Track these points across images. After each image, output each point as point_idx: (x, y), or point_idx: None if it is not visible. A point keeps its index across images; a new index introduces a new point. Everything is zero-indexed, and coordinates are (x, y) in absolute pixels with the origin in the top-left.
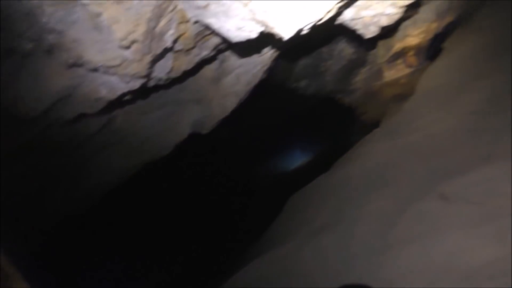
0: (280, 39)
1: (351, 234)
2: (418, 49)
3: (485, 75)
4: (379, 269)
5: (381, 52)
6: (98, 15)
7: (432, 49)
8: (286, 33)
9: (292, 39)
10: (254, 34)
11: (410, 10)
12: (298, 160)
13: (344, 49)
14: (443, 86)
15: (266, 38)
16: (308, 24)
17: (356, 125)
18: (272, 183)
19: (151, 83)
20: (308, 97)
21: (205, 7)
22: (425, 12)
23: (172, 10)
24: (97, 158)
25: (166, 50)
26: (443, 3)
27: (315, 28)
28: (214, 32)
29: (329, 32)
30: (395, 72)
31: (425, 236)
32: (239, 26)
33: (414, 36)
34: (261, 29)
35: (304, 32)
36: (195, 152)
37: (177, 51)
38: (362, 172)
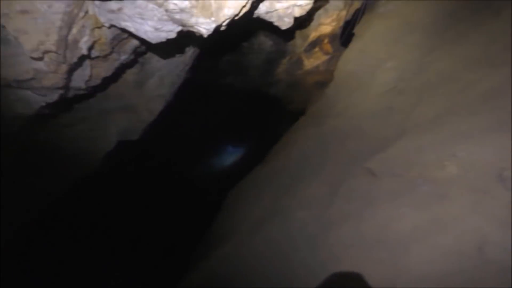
0: (200, 37)
1: (290, 222)
2: (332, 36)
3: (394, 56)
4: (320, 250)
5: (299, 42)
6: (2, 28)
7: (345, 36)
8: (205, 30)
9: (212, 35)
10: (173, 34)
11: (321, 0)
12: (232, 155)
13: (264, 42)
14: (358, 70)
15: (186, 37)
16: (225, 20)
17: (284, 115)
18: (209, 181)
19: (71, 94)
20: (235, 92)
21: (119, 10)
22: (335, 1)
23: (84, 16)
24: (19, 185)
25: (83, 58)
26: None
27: (233, 24)
28: (132, 35)
29: (247, 26)
30: (313, 60)
31: (358, 212)
32: (157, 27)
33: (326, 24)
34: (180, 28)
35: (223, 28)
36: (128, 157)
37: (94, 58)
38: (293, 160)
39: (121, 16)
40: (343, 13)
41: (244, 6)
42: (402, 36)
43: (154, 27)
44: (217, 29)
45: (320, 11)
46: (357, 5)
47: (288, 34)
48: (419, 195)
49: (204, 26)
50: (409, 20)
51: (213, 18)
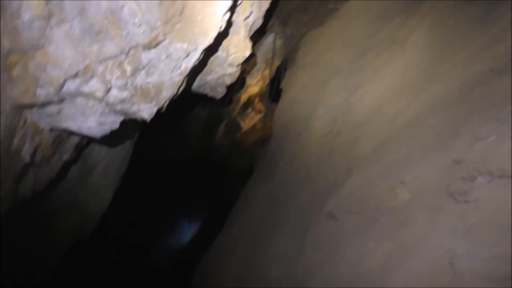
0: (144, 121)
1: (265, 283)
2: (261, 95)
3: (324, 101)
4: None
5: (232, 106)
6: None
7: (273, 92)
8: (147, 115)
9: (153, 118)
10: (116, 125)
11: (246, 65)
12: (190, 230)
13: (200, 112)
14: (294, 120)
15: (129, 124)
16: (166, 102)
17: (232, 179)
18: (174, 261)
19: (17, 204)
20: (179, 166)
21: (59, 112)
22: (257, 62)
23: (24, 125)
24: None
25: (27, 166)
26: (268, 51)
27: (172, 102)
28: (72, 133)
29: (183, 100)
30: (249, 121)
31: (329, 258)
32: (100, 121)
33: (254, 85)
34: (123, 117)
35: (163, 109)
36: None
37: (37, 163)
38: (253, 221)
39: (61, 118)
40: (266, 72)
41: (180, 85)
42: (326, 82)
43: (97, 122)
44: (158, 111)
45: (246, 74)
46: (277, 63)
47: (221, 101)
48: (381, 226)
49: (146, 111)
50: (328, 67)
51: (154, 102)
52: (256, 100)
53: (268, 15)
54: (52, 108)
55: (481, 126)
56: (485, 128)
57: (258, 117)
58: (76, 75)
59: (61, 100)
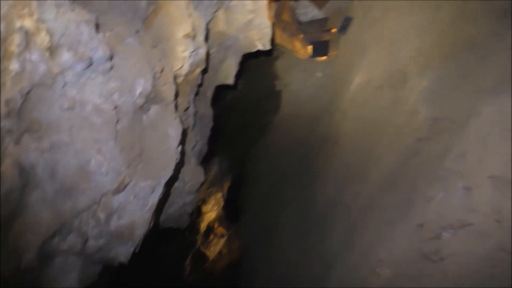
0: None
1: None
2: (219, 219)
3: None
4: None
5: (192, 237)
6: None
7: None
8: (124, 257)
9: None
10: (96, 276)
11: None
12: None
13: (165, 248)
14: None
15: (105, 272)
16: (140, 239)
17: None
18: None
19: None
20: None
21: (37, 278)
22: (209, 187)
23: None
24: None
25: None
26: (216, 175)
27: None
28: None
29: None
30: (214, 248)
31: None
32: (81, 277)
33: (210, 211)
34: (101, 267)
35: (138, 248)
36: None
37: None
38: None
39: (41, 282)
40: (219, 195)
41: (151, 221)
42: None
43: (78, 278)
44: (134, 251)
45: (200, 202)
46: (227, 184)
47: (183, 233)
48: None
49: (123, 254)
50: (280, 176)
51: (129, 244)
52: (216, 225)
53: (212, 142)
54: (30, 275)
55: (427, 188)
56: (432, 189)
57: (222, 241)
58: (53, 235)
59: (41, 264)
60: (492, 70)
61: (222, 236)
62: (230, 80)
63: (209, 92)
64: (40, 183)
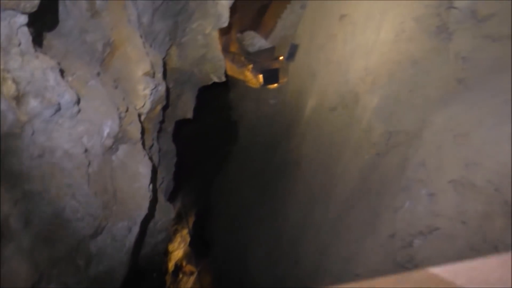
0: None
1: None
2: (187, 256)
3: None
4: None
5: (162, 278)
6: None
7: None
8: None
9: None
10: None
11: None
12: None
13: None
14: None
15: None
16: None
17: None
18: None
19: None
20: None
21: None
22: (174, 225)
23: None
24: None
25: None
26: (179, 212)
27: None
28: None
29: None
30: (184, 287)
31: None
32: None
33: (177, 249)
34: None
35: None
36: None
37: None
38: None
39: None
40: (185, 231)
41: (128, 264)
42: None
43: None
44: None
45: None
46: (192, 219)
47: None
48: None
49: None
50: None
51: None
52: (184, 263)
53: (176, 177)
54: None
55: (392, 199)
56: (397, 200)
57: (192, 279)
58: None
59: None
60: (436, 82)
61: (192, 273)
62: (189, 114)
63: (169, 128)
64: (15, 235)
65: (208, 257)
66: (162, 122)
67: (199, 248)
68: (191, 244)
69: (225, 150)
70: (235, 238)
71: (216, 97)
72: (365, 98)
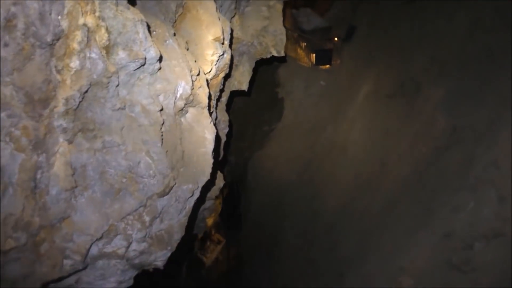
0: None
1: None
2: (216, 225)
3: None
4: None
5: (190, 243)
6: None
7: (230, 220)
8: (161, 262)
9: None
10: (131, 281)
11: None
12: None
13: None
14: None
15: None
16: (176, 245)
17: None
18: None
19: None
20: None
21: (77, 282)
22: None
23: None
24: None
25: None
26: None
27: None
28: None
29: None
30: (211, 255)
31: None
32: (120, 280)
33: (208, 217)
34: (136, 272)
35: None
36: None
37: None
38: None
39: (79, 286)
40: (218, 201)
41: (186, 226)
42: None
43: (117, 282)
44: (170, 256)
45: None
46: (226, 190)
47: None
48: None
49: (161, 259)
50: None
51: (169, 248)
52: (213, 232)
53: (225, 147)
54: (72, 279)
55: (452, 197)
56: (458, 199)
57: (219, 247)
58: (101, 238)
59: (85, 267)
60: None
61: (219, 242)
62: (245, 86)
63: (224, 98)
64: (90, 185)
65: (238, 229)
66: (222, 90)
67: (229, 220)
68: (221, 214)
69: (268, 127)
70: (267, 216)
71: (265, 71)
72: (428, 88)
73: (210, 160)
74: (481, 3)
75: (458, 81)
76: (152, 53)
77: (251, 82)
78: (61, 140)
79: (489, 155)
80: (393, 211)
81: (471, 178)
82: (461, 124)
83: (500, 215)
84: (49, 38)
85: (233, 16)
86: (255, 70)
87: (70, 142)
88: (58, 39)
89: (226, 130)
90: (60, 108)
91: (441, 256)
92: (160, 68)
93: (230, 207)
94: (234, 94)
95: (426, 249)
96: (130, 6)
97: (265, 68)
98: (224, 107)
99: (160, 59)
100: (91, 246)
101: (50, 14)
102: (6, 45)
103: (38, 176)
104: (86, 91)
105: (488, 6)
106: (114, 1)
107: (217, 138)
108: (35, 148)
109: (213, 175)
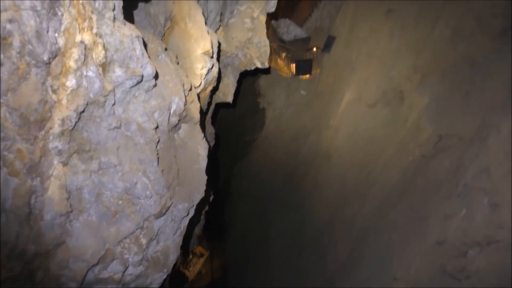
0: None
1: None
2: (199, 239)
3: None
4: None
5: None
6: None
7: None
8: (157, 285)
9: None
10: None
11: None
12: None
13: None
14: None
15: None
16: (172, 265)
17: None
18: None
19: None
20: None
21: None
22: None
23: None
24: None
25: None
26: None
27: None
28: None
29: None
30: (193, 268)
31: None
32: None
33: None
34: None
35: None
36: None
37: None
38: None
39: None
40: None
41: (181, 246)
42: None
43: None
44: (166, 278)
45: None
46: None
47: None
48: None
49: (157, 281)
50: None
51: (165, 270)
52: (195, 245)
53: (212, 159)
54: None
55: (443, 205)
56: (449, 206)
57: (201, 260)
58: (97, 263)
59: None
60: (498, 85)
61: (201, 255)
62: (229, 98)
63: (210, 110)
64: (85, 208)
65: (222, 241)
66: (209, 103)
67: (212, 231)
68: (204, 226)
69: (251, 136)
70: (252, 226)
71: (246, 81)
72: (412, 97)
73: (204, 177)
74: (462, 11)
75: (441, 89)
76: (149, 70)
77: (235, 93)
78: (55, 162)
79: (478, 162)
80: (383, 218)
81: (460, 185)
82: (447, 132)
83: (493, 222)
84: (45, 57)
85: (218, 28)
86: (238, 81)
87: (65, 164)
88: (54, 57)
89: (213, 142)
90: (56, 129)
91: (435, 264)
92: (155, 85)
93: (212, 218)
94: (219, 106)
95: (419, 257)
96: (126, 22)
97: (246, 78)
98: (210, 120)
99: (156, 76)
100: (87, 272)
101: (47, 31)
102: (0, 64)
103: (33, 201)
104: (83, 111)
105: (469, 14)
106: (112, 17)
107: (209, 154)
108: (29, 172)
109: (207, 191)
